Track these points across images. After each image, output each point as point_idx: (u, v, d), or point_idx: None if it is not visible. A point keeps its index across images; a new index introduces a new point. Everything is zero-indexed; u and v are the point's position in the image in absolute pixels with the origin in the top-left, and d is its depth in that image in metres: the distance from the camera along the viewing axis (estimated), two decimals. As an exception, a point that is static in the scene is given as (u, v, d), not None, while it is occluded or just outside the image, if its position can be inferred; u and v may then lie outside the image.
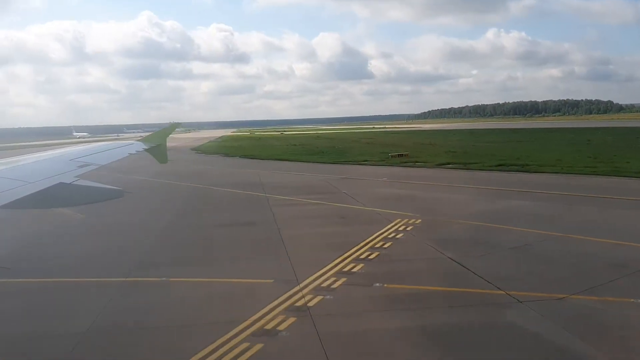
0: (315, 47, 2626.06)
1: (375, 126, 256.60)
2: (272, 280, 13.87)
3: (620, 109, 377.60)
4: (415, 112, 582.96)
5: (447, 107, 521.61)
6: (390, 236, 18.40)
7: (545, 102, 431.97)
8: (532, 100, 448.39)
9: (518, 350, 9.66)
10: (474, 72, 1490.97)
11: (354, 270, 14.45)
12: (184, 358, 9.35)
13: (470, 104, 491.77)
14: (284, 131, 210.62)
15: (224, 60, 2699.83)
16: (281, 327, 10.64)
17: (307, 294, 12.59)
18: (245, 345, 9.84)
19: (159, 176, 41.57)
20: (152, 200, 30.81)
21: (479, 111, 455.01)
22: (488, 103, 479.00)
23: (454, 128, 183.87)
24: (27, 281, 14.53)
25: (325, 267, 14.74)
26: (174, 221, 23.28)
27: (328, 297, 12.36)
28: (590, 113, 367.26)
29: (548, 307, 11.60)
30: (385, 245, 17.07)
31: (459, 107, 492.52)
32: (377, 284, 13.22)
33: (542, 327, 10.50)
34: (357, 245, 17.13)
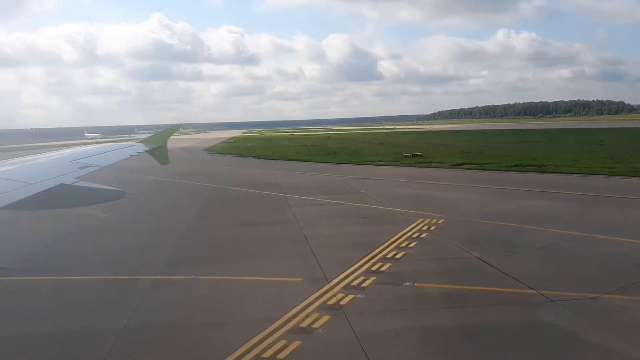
0: (325, 48, 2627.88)
1: (386, 127, 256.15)
2: (301, 279, 13.95)
3: (631, 109, 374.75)
4: (425, 113, 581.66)
5: (457, 107, 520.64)
6: (414, 236, 18.41)
7: (556, 103, 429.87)
8: (543, 100, 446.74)
9: (559, 350, 9.63)
10: (484, 72, 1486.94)
11: (382, 269, 14.48)
12: (224, 354, 9.43)
13: (480, 105, 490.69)
14: (294, 132, 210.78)
15: (234, 61, 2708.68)
16: (316, 325, 10.70)
17: (337, 292, 12.65)
18: (282, 342, 9.90)
19: (177, 176, 41.91)
20: (174, 199, 31.17)
21: (489, 112, 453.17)
22: (498, 104, 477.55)
23: (465, 129, 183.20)
24: (61, 279, 14.76)
25: (352, 266, 14.79)
26: (197, 220, 23.42)
27: (359, 295, 12.41)
28: (602, 114, 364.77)
29: (582, 306, 11.59)
30: (411, 245, 17.09)
31: (469, 108, 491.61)
32: (408, 283, 13.25)
33: (579, 326, 10.50)
34: (382, 244, 17.16)
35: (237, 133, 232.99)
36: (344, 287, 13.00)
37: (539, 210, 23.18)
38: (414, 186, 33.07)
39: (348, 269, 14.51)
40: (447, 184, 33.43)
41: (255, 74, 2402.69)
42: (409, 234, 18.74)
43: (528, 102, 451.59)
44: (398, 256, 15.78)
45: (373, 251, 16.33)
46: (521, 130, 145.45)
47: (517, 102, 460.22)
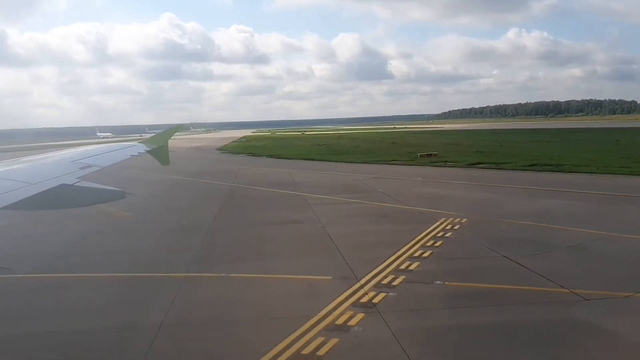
0: (335, 47, 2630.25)
1: (397, 126, 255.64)
2: (330, 277, 14.00)
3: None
4: (436, 113, 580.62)
5: (468, 107, 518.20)
6: (439, 235, 18.40)
7: (568, 102, 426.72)
8: (555, 100, 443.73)
9: (599, 349, 9.62)
10: (495, 72, 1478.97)
11: (411, 268, 14.50)
12: (264, 350, 9.50)
13: (491, 104, 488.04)
14: (305, 131, 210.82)
15: (244, 61, 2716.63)
16: (352, 323, 10.74)
17: (369, 290, 12.68)
18: (320, 339, 9.96)
19: (194, 175, 42.16)
20: (194, 198, 31.47)
21: (501, 111, 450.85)
22: (509, 103, 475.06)
23: (476, 128, 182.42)
24: (94, 276, 14.95)
25: (381, 264, 14.82)
26: (219, 219, 23.52)
27: (391, 294, 12.44)
28: (614, 113, 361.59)
29: (616, 305, 11.56)
30: (437, 244, 17.09)
31: (480, 107, 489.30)
32: (438, 282, 13.26)
33: (617, 325, 10.47)
34: (407, 243, 17.17)
35: (247, 132, 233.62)
36: (375, 286, 13.03)
37: (562, 210, 23.09)
38: (432, 185, 33.01)
39: (376, 267, 14.55)
40: (465, 183, 33.34)
41: (265, 73, 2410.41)
42: (434, 233, 18.73)
43: (540, 102, 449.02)
44: (425, 255, 15.79)
45: (399, 250, 16.35)
46: (533, 129, 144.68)
47: (529, 102, 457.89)
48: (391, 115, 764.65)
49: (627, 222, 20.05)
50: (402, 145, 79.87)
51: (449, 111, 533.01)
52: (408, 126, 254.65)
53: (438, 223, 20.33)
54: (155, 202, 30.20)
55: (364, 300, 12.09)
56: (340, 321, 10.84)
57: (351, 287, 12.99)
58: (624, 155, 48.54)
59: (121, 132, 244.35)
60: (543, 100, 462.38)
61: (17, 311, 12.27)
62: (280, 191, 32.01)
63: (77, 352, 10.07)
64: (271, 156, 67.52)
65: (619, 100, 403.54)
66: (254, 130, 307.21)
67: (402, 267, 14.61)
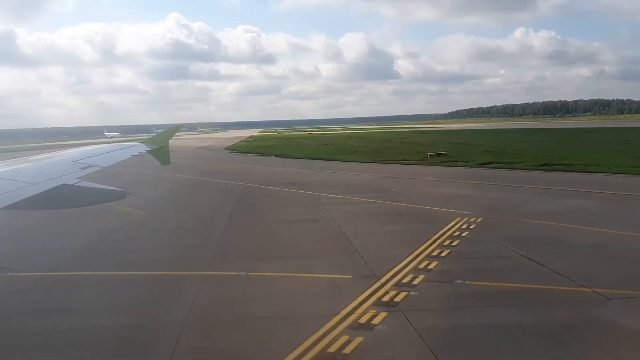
0: (342, 47, 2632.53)
1: (404, 126, 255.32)
2: (350, 276, 14.05)
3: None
4: (442, 112, 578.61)
5: (475, 107, 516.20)
6: (455, 234, 18.41)
7: (575, 102, 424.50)
8: (562, 100, 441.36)
9: (624, 348, 9.61)
10: (502, 71, 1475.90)
11: (430, 267, 14.52)
12: (290, 348, 9.56)
13: (499, 104, 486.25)
14: (311, 131, 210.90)
15: (250, 61, 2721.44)
16: (375, 321, 10.79)
17: (390, 289, 12.72)
18: (345, 337, 10.01)
19: (206, 175, 42.41)
20: (208, 197, 31.61)
21: (508, 111, 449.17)
22: (516, 103, 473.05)
23: (484, 128, 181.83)
24: (114, 274, 15.08)
25: (399, 263, 14.86)
26: (234, 218, 23.58)
27: (413, 293, 12.47)
28: (622, 113, 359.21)
29: (638, 304, 11.55)
30: (454, 243, 17.10)
31: (487, 107, 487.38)
32: (459, 281, 13.28)
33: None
34: (424, 243, 17.21)
35: (254, 132, 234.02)
36: (395, 285, 13.07)
37: (577, 209, 23.04)
38: (444, 185, 32.99)
39: (395, 266, 14.59)
40: (477, 183, 33.28)
41: (272, 73, 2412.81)
42: (450, 232, 18.74)
43: (547, 101, 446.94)
44: (443, 254, 15.81)
45: (417, 249, 16.39)
46: (541, 129, 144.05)
47: (536, 101, 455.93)
48: (398, 115, 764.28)
49: (643, 221, 19.98)
50: (410, 145, 79.80)
51: (456, 111, 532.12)
52: (415, 126, 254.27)
53: (453, 222, 20.33)
54: (170, 201, 30.39)
55: (385, 299, 12.13)
56: (363, 320, 10.90)
57: (372, 285, 13.04)
58: (634, 155, 48.26)
59: (128, 131, 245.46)
60: (551, 100, 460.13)
61: (49, 308, 12.43)
62: (293, 190, 32.08)
63: (106, 347, 10.17)
64: (280, 156, 67.65)
65: (627, 99, 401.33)
66: (261, 130, 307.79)
67: (421, 266, 14.64)
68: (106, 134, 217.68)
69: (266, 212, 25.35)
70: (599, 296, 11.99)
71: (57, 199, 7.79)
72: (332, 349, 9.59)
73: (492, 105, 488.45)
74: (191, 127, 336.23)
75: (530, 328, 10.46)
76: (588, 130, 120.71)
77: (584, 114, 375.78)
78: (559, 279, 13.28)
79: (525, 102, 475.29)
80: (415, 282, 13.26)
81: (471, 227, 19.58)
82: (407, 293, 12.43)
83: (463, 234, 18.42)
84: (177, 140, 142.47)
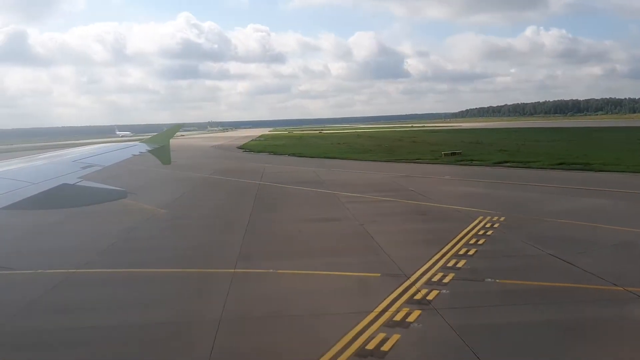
0: (351, 46, 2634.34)
1: (414, 125, 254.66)
2: (379, 274, 14.07)
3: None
4: (452, 111, 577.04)
5: (485, 106, 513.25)
6: (480, 233, 18.38)
7: (587, 101, 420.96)
8: (574, 98, 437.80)
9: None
10: (512, 70, 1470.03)
11: (459, 265, 14.51)
12: (328, 345, 9.61)
13: (509, 103, 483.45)
14: (322, 130, 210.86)
15: (260, 60, 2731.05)
16: (410, 319, 10.80)
17: (420, 287, 12.73)
18: (382, 335, 10.04)
19: (222, 173, 42.57)
20: (227, 196, 31.72)
21: (519, 110, 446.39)
22: (527, 102, 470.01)
23: (495, 127, 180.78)
24: (145, 271, 15.22)
25: (427, 262, 14.86)
26: (255, 216, 23.61)
27: (444, 291, 12.47)
28: (634, 112, 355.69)
29: (673, 304, 11.49)
30: (480, 242, 17.06)
31: (497, 106, 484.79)
32: (489, 279, 13.26)
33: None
34: (450, 241, 17.19)
35: (264, 131, 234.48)
36: (426, 283, 13.08)
37: (599, 208, 22.92)
38: (463, 184, 32.89)
39: (423, 265, 14.59)
40: (495, 182, 33.13)
41: (281, 72, 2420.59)
42: (474, 231, 18.70)
43: (558, 100, 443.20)
44: (470, 253, 15.79)
45: (443, 248, 16.38)
46: (553, 128, 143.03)
47: (547, 100, 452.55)
48: (407, 114, 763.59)
49: (669, 220, 19.82)
50: (423, 144, 79.63)
51: (466, 110, 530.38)
52: (425, 125, 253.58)
53: (476, 221, 20.29)
54: (190, 200, 30.55)
55: (417, 297, 12.14)
56: (398, 317, 10.92)
57: (402, 284, 13.05)
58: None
59: (140, 130, 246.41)
60: (562, 99, 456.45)
61: (88, 304, 12.58)
62: (310, 189, 32.11)
63: (145, 344, 10.27)
64: (293, 155, 67.72)
65: (639, 98, 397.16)
66: (271, 129, 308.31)
67: (449, 264, 14.63)
68: (117, 132, 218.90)
69: (286, 210, 25.38)
70: (632, 295, 11.93)
71: (58, 198, 7.79)
72: (370, 346, 9.62)
73: (502, 104, 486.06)
74: (201, 127, 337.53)
75: (568, 326, 10.42)
76: (600, 130, 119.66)
77: (596, 113, 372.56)
78: (590, 278, 13.21)
79: (536, 101, 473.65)
80: (446, 280, 13.26)
81: (495, 225, 19.53)
82: (438, 291, 12.43)
83: (488, 233, 18.37)
84: (190, 140, 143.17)
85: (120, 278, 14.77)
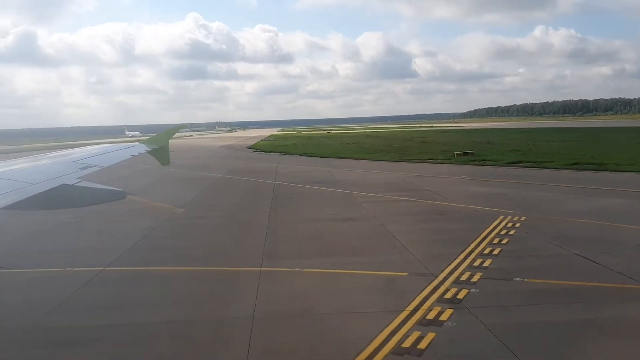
0: (359, 46, 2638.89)
1: (422, 125, 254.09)
2: (406, 273, 14.12)
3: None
4: (460, 111, 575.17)
5: (493, 105, 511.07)
6: (502, 233, 18.39)
7: (596, 101, 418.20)
8: (583, 98, 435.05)
9: None
10: (521, 70, 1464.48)
11: (485, 265, 14.53)
12: (365, 342, 9.68)
13: (518, 103, 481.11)
14: (330, 130, 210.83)
15: (268, 60, 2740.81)
16: (443, 318, 10.85)
17: (450, 287, 12.77)
18: (417, 333, 10.09)
19: (235, 173, 42.70)
20: (245, 195, 31.90)
21: (527, 110, 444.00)
22: (536, 102, 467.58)
23: (505, 127, 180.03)
24: (172, 269, 15.36)
25: (453, 261, 14.90)
26: (274, 215, 23.68)
27: (474, 290, 12.50)
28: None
29: None
30: (503, 242, 17.07)
31: (506, 106, 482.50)
32: (517, 279, 13.27)
33: None
34: (473, 241, 17.22)
35: (272, 131, 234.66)
36: (454, 282, 13.12)
37: (618, 208, 22.86)
38: (479, 184, 32.83)
39: (450, 264, 14.63)
40: (512, 182, 33.04)
41: (289, 72, 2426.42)
42: (496, 231, 18.71)
43: (567, 100, 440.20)
44: (495, 252, 15.81)
45: (467, 247, 16.40)
46: (563, 128, 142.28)
47: (556, 100, 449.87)
48: (415, 114, 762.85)
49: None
50: (433, 144, 79.50)
51: (475, 110, 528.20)
52: (434, 125, 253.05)
53: (497, 221, 20.29)
54: (207, 199, 30.69)
55: (447, 296, 12.18)
56: (430, 316, 10.97)
57: (430, 283, 13.10)
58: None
59: (148, 130, 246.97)
60: (571, 99, 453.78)
61: (125, 301, 12.72)
62: (325, 189, 32.18)
63: (184, 341, 10.38)
64: (304, 154, 67.80)
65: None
66: (279, 129, 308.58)
67: (476, 264, 14.66)
68: (127, 133, 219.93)
69: (304, 209, 25.41)
70: (664, 295, 11.93)
71: (57, 199, 7.83)
72: (406, 344, 9.68)
73: (511, 104, 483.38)
74: (209, 127, 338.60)
75: (603, 325, 10.43)
76: (611, 130, 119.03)
77: (605, 113, 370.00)
78: (619, 277, 13.21)
79: (545, 101, 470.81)
80: (474, 279, 13.28)
81: (517, 225, 19.53)
82: (468, 290, 12.46)
83: (510, 233, 18.38)
84: (198, 140, 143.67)
85: (148, 276, 14.89)
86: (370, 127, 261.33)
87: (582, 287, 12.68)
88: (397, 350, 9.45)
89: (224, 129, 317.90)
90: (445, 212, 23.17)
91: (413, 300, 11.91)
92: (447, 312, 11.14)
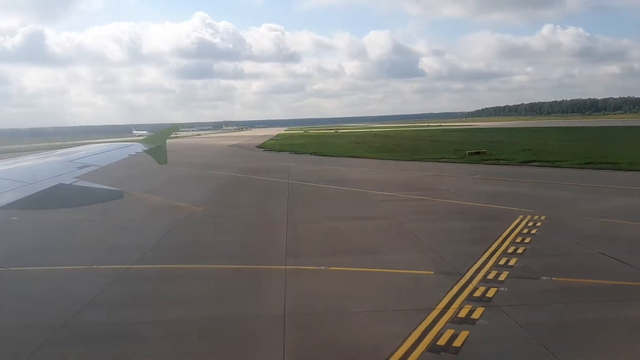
0: (366, 45, 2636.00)
1: (430, 124, 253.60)
2: (432, 272, 14.16)
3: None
4: (468, 110, 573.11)
5: (501, 105, 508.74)
6: (524, 232, 18.37)
7: (605, 100, 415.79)
8: (591, 97, 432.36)
9: None
10: (529, 69, 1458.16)
11: (511, 264, 14.54)
12: (400, 340, 9.73)
13: (526, 102, 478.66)
14: (337, 129, 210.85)
15: (274, 59, 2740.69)
16: (475, 316, 10.88)
17: (478, 285, 12.80)
18: (450, 331, 10.13)
19: (248, 172, 42.82)
20: (260, 193, 32.00)
21: (536, 109, 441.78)
22: (544, 101, 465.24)
23: (513, 126, 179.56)
24: (198, 267, 15.47)
25: (478, 260, 14.92)
26: (292, 214, 23.73)
27: (503, 289, 12.52)
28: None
29: None
30: (526, 241, 17.07)
31: (514, 105, 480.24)
32: (545, 277, 13.28)
33: None
34: (496, 240, 17.23)
35: (279, 131, 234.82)
36: (482, 281, 13.14)
37: (637, 207, 22.83)
38: (494, 183, 32.75)
39: (475, 263, 14.66)
40: (527, 181, 32.96)
41: (296, 71, 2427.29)
42: (518, 230, 18.70)
43: (576, 99, 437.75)
44: (519, 251, 15.81)
45: (490, 246, 16.42)
46: (574, 127, 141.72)
47: (564, 99, 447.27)
48: (422, 113, 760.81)
49: None
50: (443, 143, 79.38)
51: (482, 109, 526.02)
52: (441, 124, 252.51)
53: (518, 220, 20.27)
54: (223, 198, 30.84)
55: (476, 294, 12.21)
56: (462, 314, 11.00)
57: (458, 282, 13.13)
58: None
59: (156, 129, 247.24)
60: (579, 98, 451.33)
61: (152, 298, 12.84)
62: (340, 187, 32.20)
63: (218, 337, 10.48)
64: (315, 153, 67.79)
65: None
66: (286, 128, 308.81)
67: (501, 262, 14.67)
68: (135, 132, 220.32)
69: (322, 208, 25.46)
70: (694, 294, 11.91)
71: (54, 198, 7.83)
72: (441, 341, 9.73)
73: (519, 104, 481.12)
74: (217, 126, 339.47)
75: (636, 324, 10.43)
76: (621, 129, 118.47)
77: (614, 112, 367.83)
78: (647, 277, 13.21)
79: (553, 100, 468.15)
80: (501, 278, 13.31)
81: (537, 224, 19.51)
82: (497, 289, 12.49)
83: (532, 232, 18.36)
84: (206, 139, 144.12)
85: (173, 273, 15.04)
86: (377, 127, 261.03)
87: (610, 286, 12.68)
88: (433, 348, 9.50)
89: (230, 128, 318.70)
90: (463, 212, 23.15)
91: (443, 298, 11.95)
92: (479, 311, 11.17)
